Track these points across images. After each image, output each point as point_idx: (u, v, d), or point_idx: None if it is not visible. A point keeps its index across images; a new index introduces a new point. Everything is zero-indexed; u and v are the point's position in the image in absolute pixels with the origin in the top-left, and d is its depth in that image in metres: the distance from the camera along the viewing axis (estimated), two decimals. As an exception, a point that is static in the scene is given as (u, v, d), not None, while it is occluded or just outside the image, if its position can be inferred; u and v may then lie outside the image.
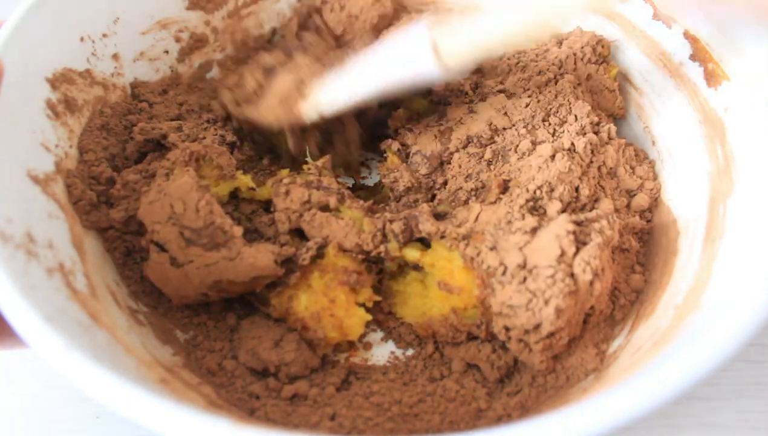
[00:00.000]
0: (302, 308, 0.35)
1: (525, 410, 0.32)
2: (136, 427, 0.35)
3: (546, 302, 0.31)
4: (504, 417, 0.32)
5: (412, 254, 0.36)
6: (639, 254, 0.38)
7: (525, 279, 0.32)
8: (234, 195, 0.39)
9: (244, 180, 0.39)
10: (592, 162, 0.38)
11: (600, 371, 0.33)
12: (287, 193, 0.37)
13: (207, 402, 0.30)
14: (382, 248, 0.36)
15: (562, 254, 0.32)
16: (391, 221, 0.36)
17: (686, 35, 0.39)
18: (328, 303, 0.35)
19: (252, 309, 0.37)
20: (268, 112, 0.42)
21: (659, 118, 0.42)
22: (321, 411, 0.32)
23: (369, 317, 0.36)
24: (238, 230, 0.35)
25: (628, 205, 0.39)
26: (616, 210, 0.37)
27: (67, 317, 0.27)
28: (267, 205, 0.39)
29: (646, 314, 0.35)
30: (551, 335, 0.32)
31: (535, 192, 0.36)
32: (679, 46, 0.40)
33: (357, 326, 0.36)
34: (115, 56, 0.42)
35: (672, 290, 0.34)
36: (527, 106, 0.40)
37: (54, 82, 0.36)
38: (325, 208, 0.37)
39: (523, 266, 0.32)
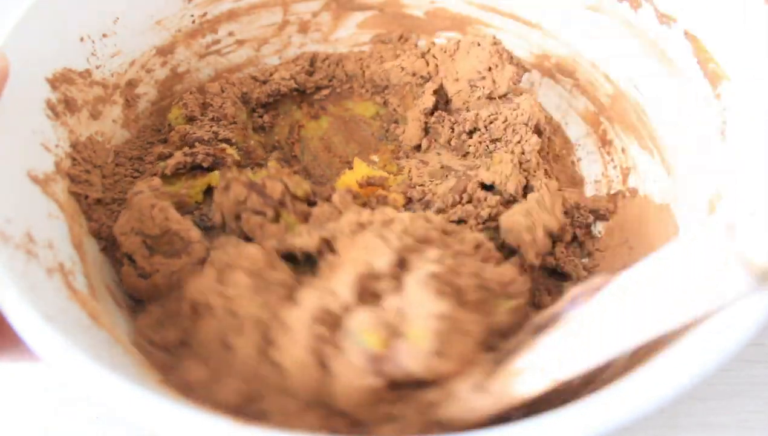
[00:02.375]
0: None
1: (524, 411, 0.32)
2: (136, 427, 0.36)
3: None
4: (503, 418, 0.32)
5: None
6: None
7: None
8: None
9: (215, 176, 0.38)
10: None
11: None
12: (227, 188, 0.36)
13: (207, 402, 0.30)
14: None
15: None
16: None
17: (686, 35, 0.39)
18: None
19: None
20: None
21: (659, 118, 0.42)
22: (321, 411, 0.32)
23: None
24: (196, 235, 0.34)
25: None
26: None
27: (67, 317, 0.27)
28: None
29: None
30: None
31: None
32: (679, 46, 0.40)
33: None
34: (115, 56, 0.42)
35: (672, 290, 0.34)
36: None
37: (54, 82, 0.36)
38: (259, 213, 0.35)
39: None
